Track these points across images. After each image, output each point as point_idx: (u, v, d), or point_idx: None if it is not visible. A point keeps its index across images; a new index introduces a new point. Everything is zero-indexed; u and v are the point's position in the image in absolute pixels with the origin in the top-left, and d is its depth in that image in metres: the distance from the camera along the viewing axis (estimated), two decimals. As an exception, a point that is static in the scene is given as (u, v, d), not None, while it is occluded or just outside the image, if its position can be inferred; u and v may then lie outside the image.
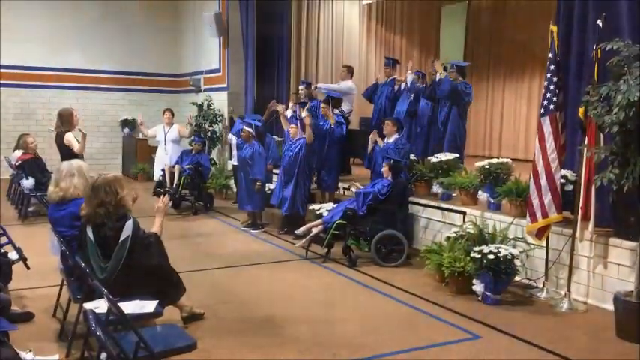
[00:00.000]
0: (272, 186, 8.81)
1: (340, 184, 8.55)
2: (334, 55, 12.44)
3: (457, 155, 7.07)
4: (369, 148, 7.29)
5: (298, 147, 7.57)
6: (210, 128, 11.89)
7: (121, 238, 3.75)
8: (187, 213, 9.14)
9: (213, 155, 11.83)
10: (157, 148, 9.66)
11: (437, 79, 7.96)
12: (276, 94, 11.58)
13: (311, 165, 7.72)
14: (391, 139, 7.16)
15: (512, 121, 12.86)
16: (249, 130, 7.93)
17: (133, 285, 3.74)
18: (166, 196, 4.33)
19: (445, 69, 8.06)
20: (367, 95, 9.18)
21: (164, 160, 9.27)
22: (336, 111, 8.26)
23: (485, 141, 13.36)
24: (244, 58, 11.54)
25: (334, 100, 8.04)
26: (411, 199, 6.93)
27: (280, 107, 8.35)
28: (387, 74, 8.97)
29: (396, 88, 8.68)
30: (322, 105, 7.97)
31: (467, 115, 7.83)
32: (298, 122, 7.73)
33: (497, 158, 6.45)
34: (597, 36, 4.69)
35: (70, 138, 6.69)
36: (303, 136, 7.61)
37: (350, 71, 9.37)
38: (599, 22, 4.68)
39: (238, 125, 8.45)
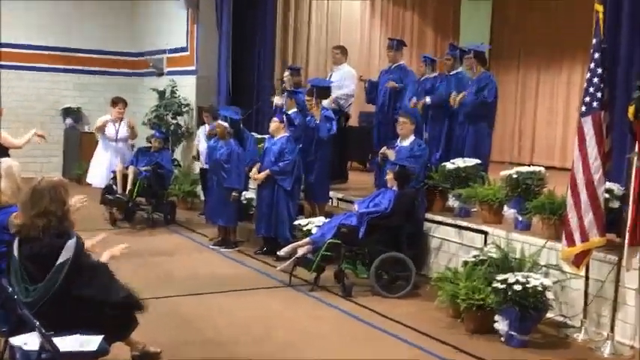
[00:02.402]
0: (250, 195, 8.81)
1: (333, 194, 8.55)
2: (329, 35, 12.50)
3: (478, 161, 7.11)
4: (379, 158, 7.29)
5: (280, 146, 7.56)
6: (174, 121, 11.88)
7: (60, 260, 3.64)
8: (143, 226, 9.11)
9: (177, 154, 11.82)
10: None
11: (451, 71, 7.99)
12: (256, 81, 11.60)
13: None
14: (406, 142, 7.15)
15: (547, 121, 12.97)
16: (224, 124, 7.93)
17: (72, 317, 3.67)
18: (123, 246, 4.21)
19: (456, 54, 8.04)
20: (369, 100, 9.16)
21: (107, 163, 9.22)
22: (325, 103, 8.27)
23: (513, 144, 13.47)
24: (218, 36, 11.57)
25: (319, 90, 8.04)
26: (424, 215, 6.95)
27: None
28: (390, 59, 9.00)
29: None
30: (306, 97, 7.99)
31: (494, 115, 7.86)
32: (283, 116, 7.73)
33: (528, 166, 6.49)
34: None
35: None
36: (285, 133, 7.61)
37: (344, 53, 9.40)
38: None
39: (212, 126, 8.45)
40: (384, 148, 7.26)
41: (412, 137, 7.16)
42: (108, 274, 3.86)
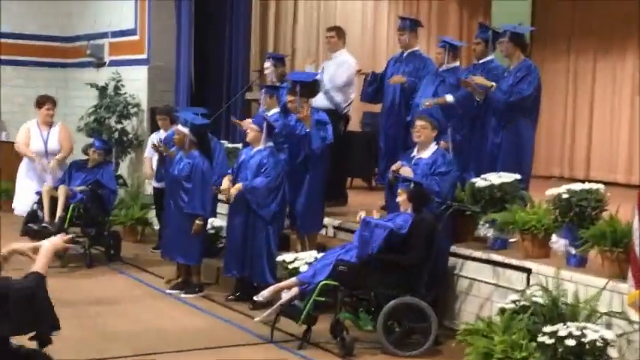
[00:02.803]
0: (219, 223, 8.79)
1: (328, 221, 8.54)
2: (321, 15, 12.59)
3: (518, 176, 7.12)
4: (390, 175, 7.28)
5: (259, 160, 7.58)
6: (119, 125, 11.88)
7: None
8: (78, 265, 9.09)
9: (123, 170, 11.81)
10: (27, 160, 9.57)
11: (481, 59, 8.02)
12: (226, 73, 11.63)
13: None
14: (426, 153, 7.17)
15: (608, 125, 13.05)
16: (184, 130, 7.94)
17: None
18: (65, 235, 4.14)
19: (487, 36, 8.05)
20: (369, 95, 9.20)
21: (36, 183, 9.22)
22: (318, 101, 8.28)
23: (562, 155, 13.55)
24: (176, 15, 11.61)
25: (305, 87, 8.04)
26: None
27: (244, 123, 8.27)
28: (402, 44, 9.04)
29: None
30: (288, 98, 7.99)
31: (536, 115, 7.91)
32: (263, 121, 7.73)
33: (583, 182, 6.50)
34: None
35: None
36: (267, 145, 7.63)
37: (342, 36, 9.45)
38: None
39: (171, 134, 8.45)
40: (398, 163, 7.25)
41: (434, 147, 7.18)
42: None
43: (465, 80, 7.70)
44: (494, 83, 7.53)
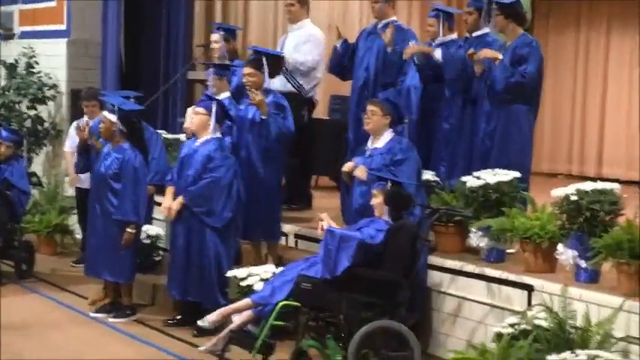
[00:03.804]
0: (156, 231, 8.74)
1: (288, 228, 8.55)
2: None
3: (517, 174, 7.16)
4: (344, 177, 7.32)
5: (207, 153, 7.58)
6: (33, 112, 11.78)
7: None
8: (-19, 283, 9.03)
9: (37, 167, 11.71)
10: None
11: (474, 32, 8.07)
12: (164, 49, 11.57)
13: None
14: (380, 143, 7.24)
15: (624, 112, 13.21)
16: (112, 118, 7.89)
17: None
18: None
19: (481, 4, 8.10)
20: (337, 66, 9.14)
21: None
22: (276, 83, 8.27)
23: (570, 148, 13.70)
24: (102, -23, 11.55)
25: (271, 60, 8.07)
26: (430, 258, 6.96)
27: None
28: (376, 13, 9.02)
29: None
30: (246, 72, 7.97)
31: (538, 100, 7.95)
32: (212, 104, 7.71)
33: (595, 181, 6.55)
34: None
35: None
36: (215, 133, 7.63)
37: (304, 4, 9.47)
38: None
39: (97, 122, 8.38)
40: (350, 163, 7.29)
41: (388, 135, 7.24)
42: None
43: (474, 52, 7.76)
44: (500, 55, 7.58)
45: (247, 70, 7.96)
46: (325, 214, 6.92)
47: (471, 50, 7.84)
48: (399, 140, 7.25)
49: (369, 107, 7.32)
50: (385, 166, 7.01)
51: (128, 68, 11.64)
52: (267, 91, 7.99)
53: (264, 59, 7.97)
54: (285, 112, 7.98)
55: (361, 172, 7.09)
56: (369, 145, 7.33)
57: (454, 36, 8.60)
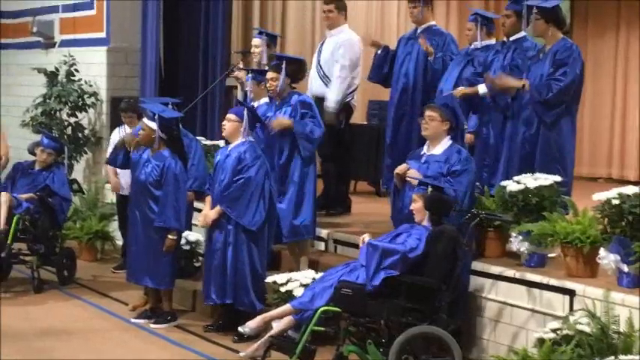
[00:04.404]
0: (196, 237, 8.79)
1: (327, 233, 8.54)
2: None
3: (558, 178, 7.13)
4: (395, 180, 7.24)
5: (237, 157, 7.57)
6: (73, 119, 11.86)
7: None
8: (24, 288, 9.08)
9: (78, 174, 11.79)
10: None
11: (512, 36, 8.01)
12: (203, 55, 11.61)
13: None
14: (438, 149, 7.16)
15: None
16: (152, 125, 7.92)
17: None
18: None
19: (519, 8, 8.04)
20: (377, 74, 9.21)
21: None
22: (310, 90, 8.43)
23: (611, 151, 13.57)
24: (141, -16, 11.62)
25: (292, 64, 8.10)
26: (473, 264, 6.96)
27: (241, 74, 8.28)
28: (414, 18, 9.06)
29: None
30: (269, 77, 8.02)
31: (577, 106, 7.89)
32: (244, 111, 7.74)
33: (635, 184, 6.49)
34: None
35: None
36: (248, 137, 7.64)
37: (342, 9, 9.46)
38: None
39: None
40: (403, 165, 7.21)
41: (446, 142, 7.15)
42: None
43: (491, 79, 7.73)
44: (526, 81, 7.53)
45: (270, 74, 8.05)
46: (367, 235, 6.86)
47: (488, 75, 7.78)
48: (458, 150, 7.10)
49: (428, 112, 7.18)
50: (441, 174, 6.92)
51: (167, 75, 11.69)
52: (291, 93, 8.04)
53: (284, 63, 8.01)
54: (313, 110, 8.00)
55: (415, 175, 7.00)
56: (425, 150, 7.22)
57: (492, 41, 8.58)
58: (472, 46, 8.52)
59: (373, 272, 6.32)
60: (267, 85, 8.05)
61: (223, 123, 7.85)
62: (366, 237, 6.77)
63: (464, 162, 7.01)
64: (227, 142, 7.88)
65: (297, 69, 8.23)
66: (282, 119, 7.87)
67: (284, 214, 7.95)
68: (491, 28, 8.64)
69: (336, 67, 9.17)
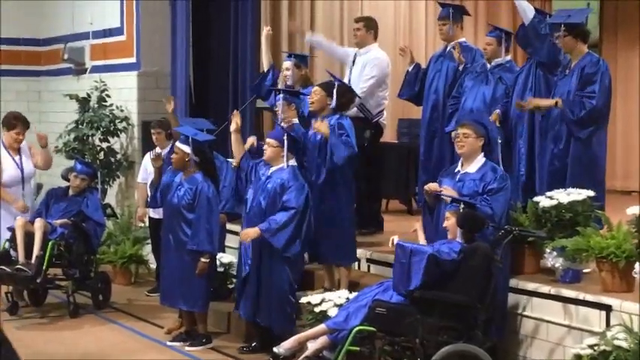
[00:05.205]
0: (229, 259, 8.80)
1: (359, 253, 8.52)
2: (344, 5, 12.61)
3: (591, 193, 7.10)
4: (425, 197, 7.23)
5: (279, 182, 7.59)
6: (105, 144, 11.95)
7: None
8: (60, 313, 9.13)
9: (111, 198, 11.85)
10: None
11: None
12: (233, 78, 11.66)
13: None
14: (472, 167, 7.13)
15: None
16: (185, 149, 7.94)
17: None
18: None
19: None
20: (408, 91, 9.24)
21: (7, 215, 9.27)
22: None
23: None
24: (170, 10, 11.67)
25: (342, 90, 8.03)
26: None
27: (236, 119, 8.27)
28: (444, 35, 9.09)
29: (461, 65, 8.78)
30: (314, 90, 8.01)
31: (607, 119, 7.83)
32: (284, 134, 7.72)
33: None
34: None
35: None
36: (287, 162, 7.64)
37: (372, 28, 9.48)
38: None
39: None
40: (434, 184, 7.16)
41: (481, 159, 7.13)
42: None
43: (521, 104, 7.79)
44: (559, 100, 7.52)
45: (316, 88, 8.05)
46: (396, 236, 6.91)
47: (519, 102, 7.84)
48: (494, 168, 7.05)
49: (462, 130, 7.10)
50: (477, 192, 6.89)
51: (197, 98, 11.73)
52: (333, 113, 7.96)
53: (335, 85, 7.98)
54: (347, 131, 7.92)
55: (449, 192, 6.96)
56: (460, 168, 7.16)
57: (509, 57, 8.61)
58: (492, 63, 8.51)
59: (407, 272, 6.36)
60: (309, 98, 8.01)
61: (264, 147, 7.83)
62: (395, 238, 6.78)
63: (500, 180, 6.97)
64: (267, 164, 7.80)
65: (348, 101, 8.15)
66: (325, 124, 7.78)
67: (328, 237, 7.95)
68: (509, 44, 8.63)
69: (364, 79, 9.16)
